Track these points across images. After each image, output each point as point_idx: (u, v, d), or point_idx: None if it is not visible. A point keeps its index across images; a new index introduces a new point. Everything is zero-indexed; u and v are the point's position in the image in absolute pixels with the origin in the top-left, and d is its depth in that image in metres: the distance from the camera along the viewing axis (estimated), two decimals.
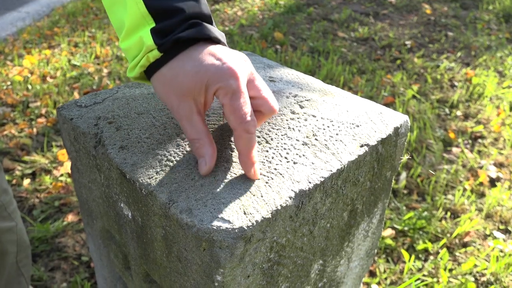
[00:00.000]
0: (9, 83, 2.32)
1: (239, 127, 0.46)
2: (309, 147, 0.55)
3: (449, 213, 1.52)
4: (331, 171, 0.53)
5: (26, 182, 1.60)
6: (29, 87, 2.28)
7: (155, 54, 0.46)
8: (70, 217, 1.46)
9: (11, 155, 1.75)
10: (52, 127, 1.94)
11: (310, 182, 0.51)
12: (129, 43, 0.48)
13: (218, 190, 0.48)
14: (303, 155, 0.54)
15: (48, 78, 2.39)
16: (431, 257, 1.35)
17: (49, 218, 1.46)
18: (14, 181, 1.61)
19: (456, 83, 2.43)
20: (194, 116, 0.47)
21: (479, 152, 1.86)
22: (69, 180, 1.62)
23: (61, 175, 1.65)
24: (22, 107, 2.09)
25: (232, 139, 0.55)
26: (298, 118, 0.60)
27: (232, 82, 0.45)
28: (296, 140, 0.56)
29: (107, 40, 2.95)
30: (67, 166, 1.68)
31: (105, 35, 3.02)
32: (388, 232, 1.41)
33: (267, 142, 0.55)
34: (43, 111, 2.05)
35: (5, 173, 1.65)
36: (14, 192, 1.56)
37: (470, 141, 1.93)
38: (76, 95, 2.19)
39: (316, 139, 0.57)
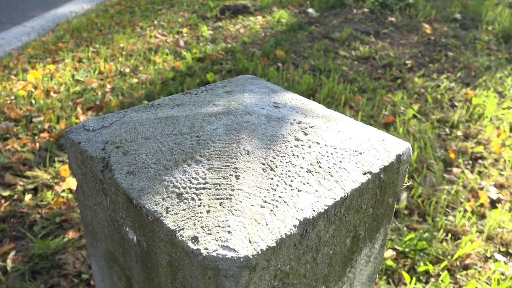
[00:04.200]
0: (13, 97, 2.34)
1: None
2: (313, 175, 0.56)
3: (450, 235, 1.52)
4: (334, 199, 0.54)
5: (28, 197, 1.60)
6: (33, 101, 2.29)
7: None
8: (71, 234, 1.46)
9: (13, 170, 1.76)
10: (54, 142, 1.95)
11: (314, 210, 0.51)
12: None
13: (223, 218, 0.48)
14: (307, 183, 0.55)
15: (51, 93, 2.41)
16: (432, 279, 1.34)
17: (50, 234, 1.46)
18: (15, 196, 1.61)
19: (456, 103, 2.45)
20: None
21: (479, 173, 1.86)
22: (70, 196, 1.63)
23: (63, 190, 1.65)
24: (25, 121, 2.10)
25: (237, 166, 0.56)
26: (302, 145, 0.61)
27: None
28: (300, 167, 0.57)
29: (110, 55, 2.98)
30: (69, 182, 1.69)
31: (109, 50, 3.06)
32: (389, 253, 1.41)
33: (271, 169, 0.56)
34: (46, 126, 2.07)
35: (7, 188, 1.66)
36: (15, 207, 1.56)
37: (470, 162, 1.94)
38: (79, 110, 2.21)
39: (320, 167, 0.58)
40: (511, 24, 3.82)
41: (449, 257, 1.42)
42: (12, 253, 1.37)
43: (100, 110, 2.22)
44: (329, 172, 0.57)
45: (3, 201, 1.59)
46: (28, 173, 1.73)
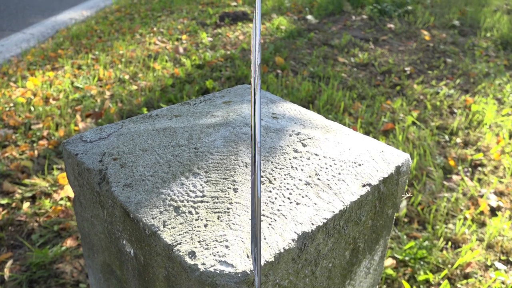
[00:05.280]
0: (12, 104, 2.34)
1: None
2: (311, 187, 0.56)
3: (450, 243, 1.51)
4: (333, 212, 0.53)
5: (26, 205, 1.59)
6: (32, 109, 2.29)
7: None
8: (69, 242, 1.45)
9: (11, 177, 1.75)
10: (53, 149, 1.95)
11: (313, 224, 0.51)
12: None
13: (221, 232, 0.48)
14: (306, 195, 0.54)
15: (51, 100, 2.41)
16: None
17: (48, 243, 1.45)
18: (13, 205, 1.61)
19: (455, 110, 2.45)
20: None
21: (479, 180, 1.86)
22: (68, 204, 1.62)
23: (61, 198, 1.65)
24: (24, 129, 2.10)
25: (235, 178, 0.55)
26: (301, 157, 0.60)
27: None
28: (299, 179, 0.57)
29: (110, 62, 2.98)
30: (67, 190, 1.68)
31: (108, 57, 3.06)
32: (389, 261, 1.40)
33: (270, 182, 0.56)
34: (45, 133, 2.06)
35: (5, 196, 1.65)
36: (13, 215, 1.55)
37: (470, 169, 1.94)
38: (78, 117, 2.20)
39: (318, 179, 0.57)
40: (509, 30, 3.83)
41: (449, 265, 1.42)
42: (10, 262, 1.36)
43: (99, 117, 2.22)
44: (328, 185, 0.57)
45: (1, 209, 1.58)
46: (27, 180, 1.72)
